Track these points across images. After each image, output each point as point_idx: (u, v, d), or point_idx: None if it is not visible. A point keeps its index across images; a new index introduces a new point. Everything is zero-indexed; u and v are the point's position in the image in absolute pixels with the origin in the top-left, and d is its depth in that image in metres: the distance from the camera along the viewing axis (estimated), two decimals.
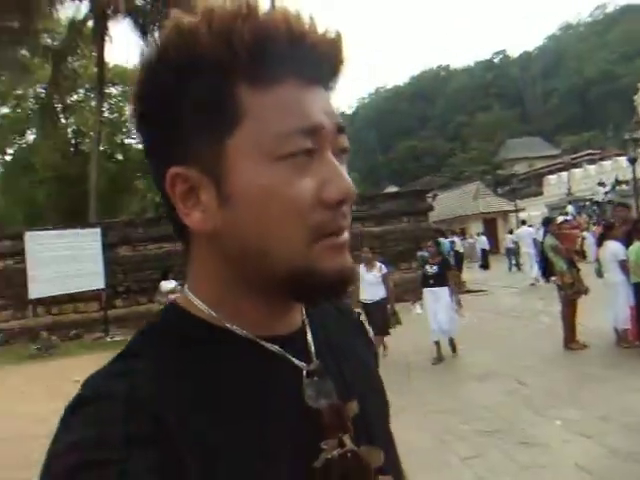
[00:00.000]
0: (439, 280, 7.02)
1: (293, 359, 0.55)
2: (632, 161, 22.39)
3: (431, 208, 16.28)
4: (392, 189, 50.73)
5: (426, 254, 7.39)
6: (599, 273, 7.47)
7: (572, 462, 3.73)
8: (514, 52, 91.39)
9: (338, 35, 0.51)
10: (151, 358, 0.50)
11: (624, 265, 6.72)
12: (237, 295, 0.54)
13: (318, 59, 0.50)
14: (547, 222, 7.37)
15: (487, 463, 3.84)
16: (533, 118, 74.23)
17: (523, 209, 32.21)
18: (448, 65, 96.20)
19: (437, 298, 6.98)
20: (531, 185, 51.00)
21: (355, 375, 0.62)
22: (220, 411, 0.49)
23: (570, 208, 26.23)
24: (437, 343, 7.01)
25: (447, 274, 7.09)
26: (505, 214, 31.62)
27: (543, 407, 4.86)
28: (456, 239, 20.05)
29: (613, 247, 6.92)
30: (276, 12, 0.48)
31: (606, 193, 27.14)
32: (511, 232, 20.66)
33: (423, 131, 73.74)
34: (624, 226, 7.66)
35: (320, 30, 0.50)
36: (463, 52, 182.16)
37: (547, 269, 7.04)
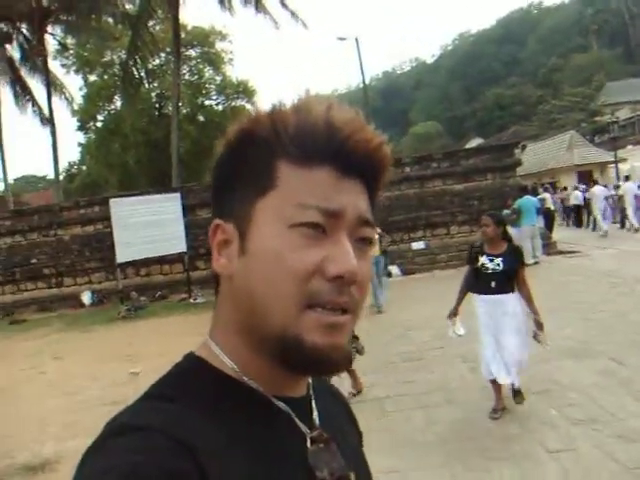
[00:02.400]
0: (504, 283, 4.20)
1: (299, 423, 0.60)
2: None
3: (519, 163, 15.16)
4: (477, 141, 48.35)
5: (477, 243, 4.48)
6: None
7: None
8: None
9: (379, 139, 0.57)
10: (182, 404, 0.54)
11: None
12: (246, 351, 0.58)
13: (354, 154, 0.55)
14: None
15: (579, 458, 3.45)
16: (639, 57, 66.88)
17: (625, 160, 29.46)
18: (541, 2, 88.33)
19: (500, 312, 4.21)
20: (635, 133, 46.54)
21: (350, 449, 0.66)
22: (233, 460, 0.52)
23: None
24: (494, 382, 4.33)
25: (520, 272, 4.22)
26: (604, 166, 29.07)
27: None
28: (547, 195, 18.67)
29: None
30: (323, 107, 0.56)
31: None
32: (576, 188, 20.74)
33: (511, 78, 68.71)
34: None
35: (362, 130, 0.56)
36: None
37: None
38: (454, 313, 4.58)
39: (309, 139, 0.55)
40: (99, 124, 28.54)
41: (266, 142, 0.56)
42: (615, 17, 71.85)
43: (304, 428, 0.59)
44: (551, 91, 58.33)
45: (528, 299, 4.23)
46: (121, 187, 24.90)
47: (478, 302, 4.41)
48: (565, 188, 23.84)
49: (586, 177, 27.30)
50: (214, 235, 0.60)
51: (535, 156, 30.24)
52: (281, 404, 0.59)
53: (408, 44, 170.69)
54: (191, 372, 0.59)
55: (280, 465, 0.55)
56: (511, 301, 4.23)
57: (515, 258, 4.25)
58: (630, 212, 16.60)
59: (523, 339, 4.22)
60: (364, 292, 0.58)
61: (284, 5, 16.69)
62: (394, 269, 13.46)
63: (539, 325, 4.17)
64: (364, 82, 24.17)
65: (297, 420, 0.59)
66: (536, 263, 12.06)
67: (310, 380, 0.67)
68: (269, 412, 0.58)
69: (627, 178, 19.22)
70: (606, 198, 17.33)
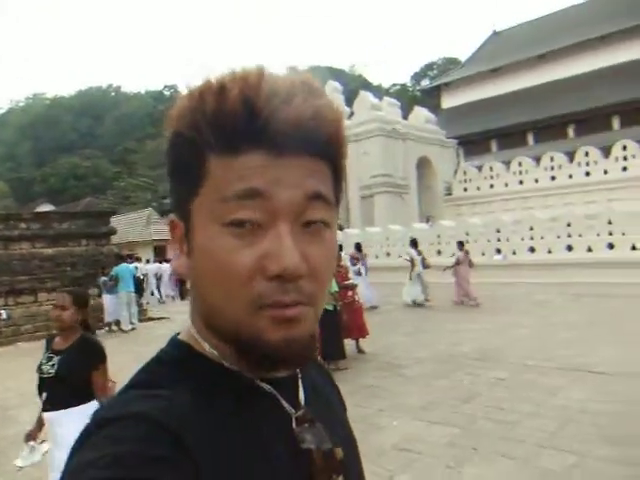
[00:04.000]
0: (60, 394, 2.85)
1: (284, 403, 0.59)
2: None
3: (114, 231, 15.52)
4: (49, 207, 45.74)
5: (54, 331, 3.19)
6: None
7: None
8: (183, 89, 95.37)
9: (311, 109, 0.51)
10: (164, 388, 0.52)
11: None
12: (216, 338, 0.57)
13: (282, 134, 0.50)
14: None
15: None
16: None
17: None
18: (120, 87, 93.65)
19: (51, 441, 2.93)
20: None
21: (335, 422, 0.66)
22: (227, 445, 0.51)
23: None
24: None
25: (95, 377, 2.90)
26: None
27: None
28: (138, 264, 19.41)
29: None
30: (242, 84, 0.51)
31: None
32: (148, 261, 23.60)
33: (87, 150, 69.03)
34: None
35: (287, 104, 0.50)
36: (135, 78, 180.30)
37: None
38: (31, 434, 3.04)
39: (228, 127, 0.50)
40: None
41: (190, 137, 0.52)
42: None
43: (289, 408, 0.59)
44: (126, 169, 61.45)
45: None
46: None
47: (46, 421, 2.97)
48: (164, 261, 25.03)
49: (162, 250, 29.73)
50: (173, 230, 0.58)
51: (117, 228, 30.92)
52: (266, 386, 0.57)
53: None
54: (176, 357, 0.58)
55: (268, 446, 0.54)
56: (66, 424, 2.73)
57: (83, 357, 2.92)
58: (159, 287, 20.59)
59: None
60: (321, 281, 0.54)
61: None
62: None
63: None
64: None
65: (282, 400, 0.58)
66: (133, 329, 12.40)
67: None
68: (254, 394, 0.57)
69: (148, 261, 23.53)
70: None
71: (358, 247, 13.35)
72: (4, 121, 79.25)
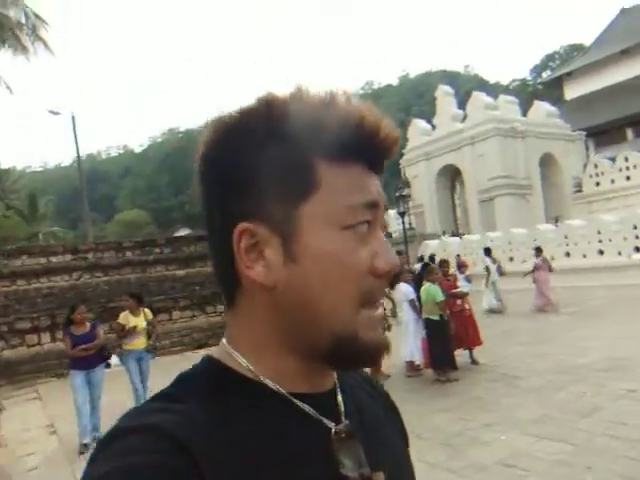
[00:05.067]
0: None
1: (323, 419, 0.57)
2: (402, 214, 26.16)
3: None
4: (186, 231, 49.88)
5: None
6: (393, 312, 8.47)
7: None
8: None
9: (398, 133, 0.58)
10: (190, 403, 0.52)
11: (414, 304, 7.78)
12: (276, 353, 0.57)
13: (382, 151, 0.57)
14: None
15: None
16: None
17: None
18: None
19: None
20: None
21: (383, 447, 0.63)
22: (249, 461, 0.51)
23: None
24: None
25: None
26: None
27: None
28: None
29: (404, 289, 7.93)
30: (362, 105, 0.56)
31: None
32: None
33: None
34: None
35: (389, 127, 0.56)
36: None
37: None
38: None
39: (351, 138, 0.54)
40: None
41: (300, 140, 0.54)
42: None
43: (327, 422, 0.57)
44: None
45: None
46: None
47: None
48: None
49: None
50: (239, 241, 0.54)
51: None
52: (303, 405, 0.57)
53: (116, 130, 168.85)
54: (204, 372, 0.58)
55: (295, 465, 0.53)
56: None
57: None
58: None
59: None
60: None
61: None
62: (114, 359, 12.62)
63: None
64: (79, 160, 22.98)
65: (319, 415, 0.57)
66: None
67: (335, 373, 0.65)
68: (288, 410, 0.56)
69: None
70: None
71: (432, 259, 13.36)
72: (145, 156, 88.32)
